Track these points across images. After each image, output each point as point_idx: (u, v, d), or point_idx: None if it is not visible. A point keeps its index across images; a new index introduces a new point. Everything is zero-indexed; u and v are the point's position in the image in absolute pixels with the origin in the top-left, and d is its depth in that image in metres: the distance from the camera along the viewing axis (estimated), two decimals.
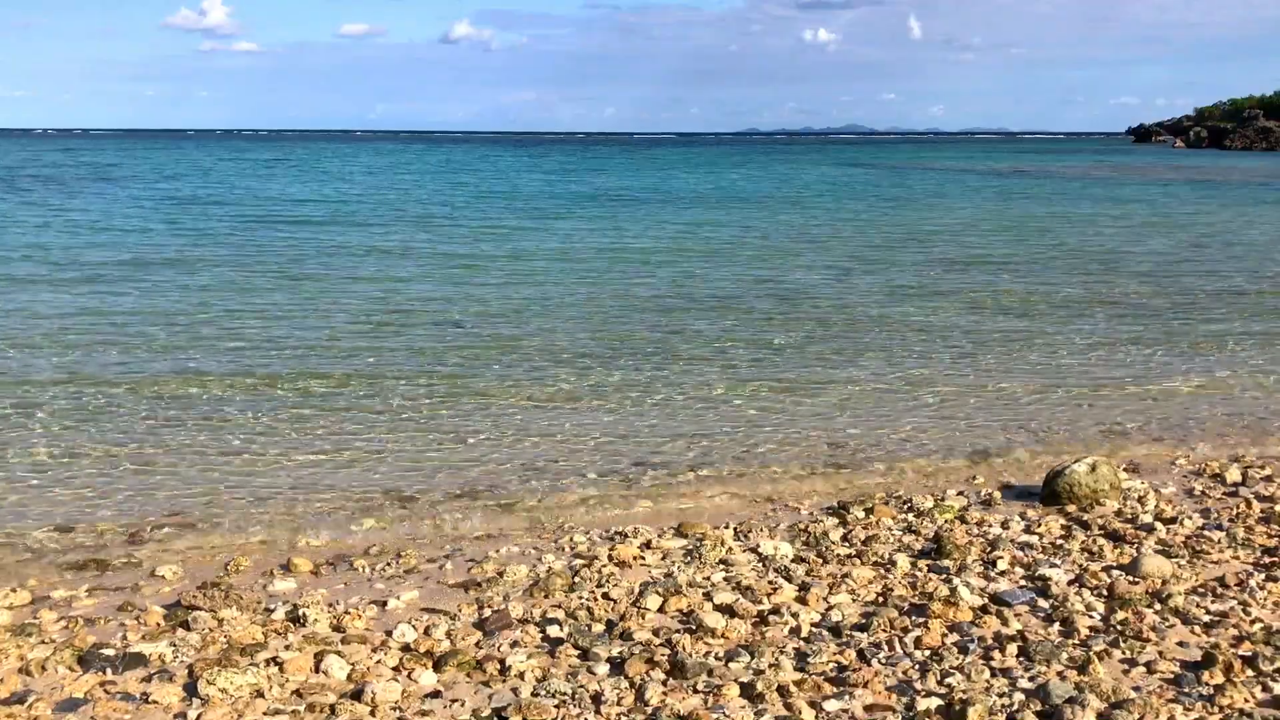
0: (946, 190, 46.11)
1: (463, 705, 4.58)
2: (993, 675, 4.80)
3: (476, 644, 5.18)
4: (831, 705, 4.54)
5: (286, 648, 5.10)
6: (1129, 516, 7.08)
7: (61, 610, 5.62)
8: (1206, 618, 5.38)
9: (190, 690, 4.66)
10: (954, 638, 5.18)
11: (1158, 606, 5.50)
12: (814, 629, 5.32)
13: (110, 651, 5.00)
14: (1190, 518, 7.02)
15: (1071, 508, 7.26)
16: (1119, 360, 12.35)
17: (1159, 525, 6.86)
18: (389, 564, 6.35)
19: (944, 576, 5.99)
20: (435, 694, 4.71)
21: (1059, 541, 6.62)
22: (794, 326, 14.12)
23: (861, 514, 7.17)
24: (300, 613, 5.46)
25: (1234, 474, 8.06)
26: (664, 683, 4.74)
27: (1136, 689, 4.64)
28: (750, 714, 4.48)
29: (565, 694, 4.62)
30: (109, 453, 8.53)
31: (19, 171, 54.78)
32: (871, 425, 9.59)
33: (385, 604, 5.71)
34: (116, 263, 19.86)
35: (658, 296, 16.56)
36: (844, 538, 6.73)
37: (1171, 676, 4.76)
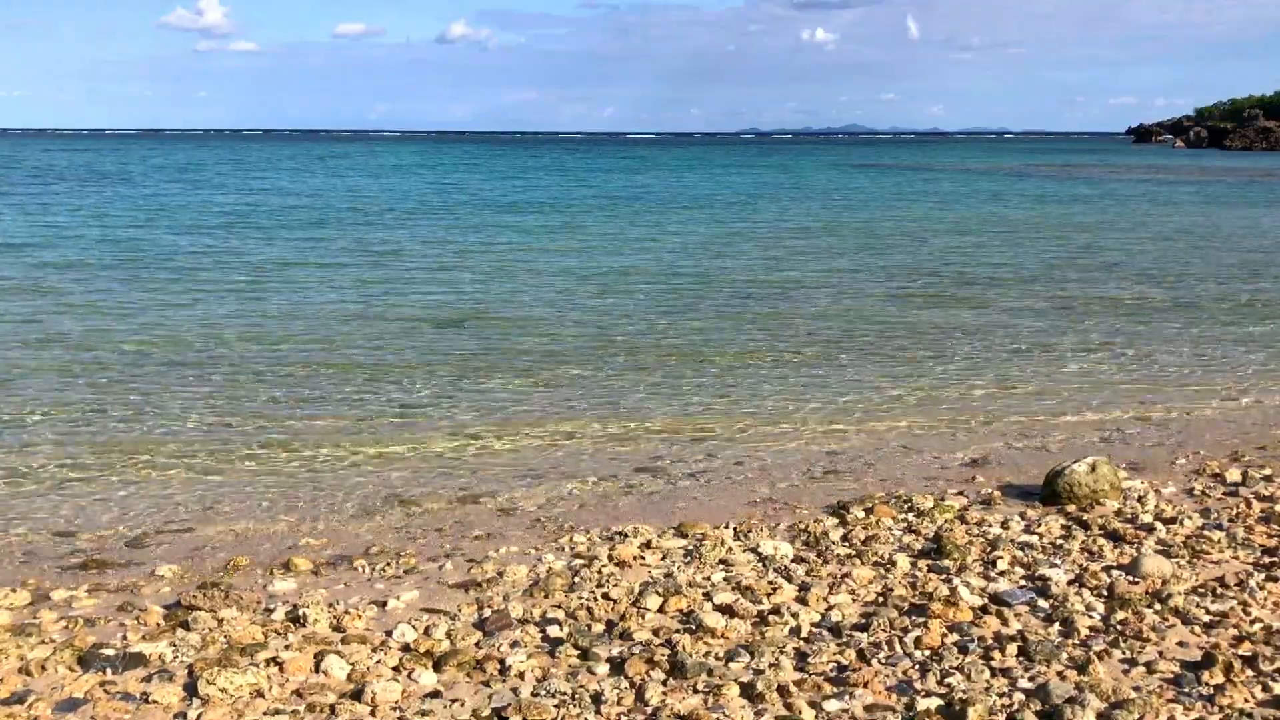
0: (948, 192, 46.11)
1: (463, 705, 4.58)
2: (993, 675, 4.79)
3: (476, 644, 5.18)
4: (831, 705, 4.53)
5: (286, 648, 5.10)
6: (1129, 516, 7.08)
7: (61, 610, 5.62)
8: (1206, 618, 5.37)
9: (190, 690, 4.66)
10: (954, 638, 5.18)
11: (1158, 606, 5.50)
12: (814, 629, 5.32)
13: (110, 651, 5.00)
14: (1190, 518, 7.01)
15: (1071, 508, 7.25)
16: (1119, 361, 12.34)
17: (1159, 525, 6.86)
18: (389, 564, 6.35)
19: (944, 576, 5.99)
20: (435, 694, 4.71)
21: (1059, 541, 6.61)
22: (794, 329, 14.13)
23: (861, 514, 7.17)
24: (300, 613, 5.46)
25: (1234, 474, 8.05)
26: (664, 683, 4.74)
27: (1136, 689, 4.63)
28: (750, 714, 4.48)
29: (565, 694, 4.62)
30: (108, 453, 8.52)
31: None
32: (872, 425, 9.59)
33: (385, 604, 5.70)
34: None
35: (658, 300, 16.58)
36: (844, 538, 6.73)
37: (1171, 676, 4.76)
